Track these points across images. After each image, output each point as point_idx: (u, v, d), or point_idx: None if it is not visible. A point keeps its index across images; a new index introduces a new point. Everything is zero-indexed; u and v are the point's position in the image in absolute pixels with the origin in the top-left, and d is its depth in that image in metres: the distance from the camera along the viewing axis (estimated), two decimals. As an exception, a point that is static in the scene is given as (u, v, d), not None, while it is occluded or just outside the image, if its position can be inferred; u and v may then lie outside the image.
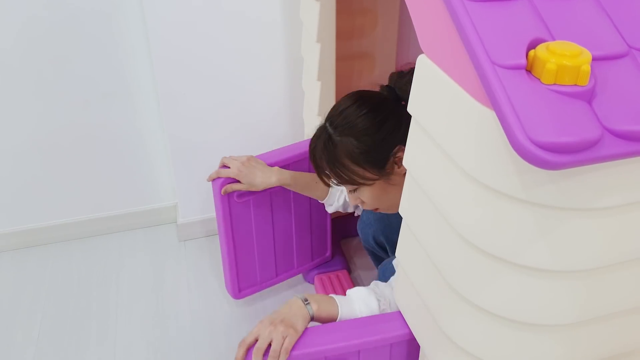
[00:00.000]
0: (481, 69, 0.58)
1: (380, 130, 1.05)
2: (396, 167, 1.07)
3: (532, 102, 0.55)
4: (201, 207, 1.73)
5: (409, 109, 0.78)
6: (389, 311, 0.99)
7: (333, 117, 1.10)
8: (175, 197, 1.79)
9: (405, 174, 1.05)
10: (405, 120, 1.04)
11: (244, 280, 1.45)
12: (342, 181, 1.10)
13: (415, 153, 0.79)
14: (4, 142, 1.58)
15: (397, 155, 1.06)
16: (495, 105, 0.56)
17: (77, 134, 1.61)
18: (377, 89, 1.12)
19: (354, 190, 1.12)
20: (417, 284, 0.83)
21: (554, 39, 0.60)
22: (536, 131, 0.53)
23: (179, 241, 1.76)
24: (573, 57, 0.56)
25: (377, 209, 1.15)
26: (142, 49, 1.53)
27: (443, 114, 0.69)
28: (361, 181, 1.08)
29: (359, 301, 0.99)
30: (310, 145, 1.13)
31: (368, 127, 1.05)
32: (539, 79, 0.57)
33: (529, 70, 0.58)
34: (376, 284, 1.05)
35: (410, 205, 0.81)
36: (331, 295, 1.00)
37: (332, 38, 1.25)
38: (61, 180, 1.68)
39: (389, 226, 1.32)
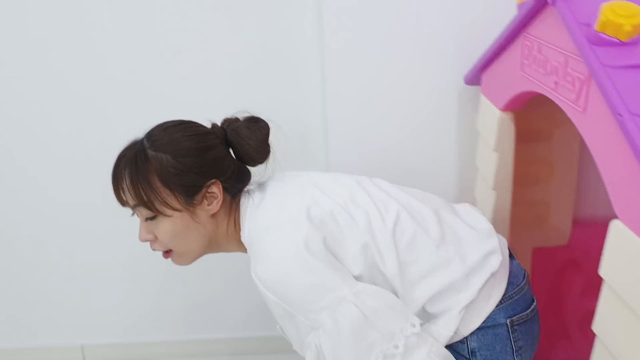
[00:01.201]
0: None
1: (202, 156, 0.99)
2: (206, 202, 1.00)
3: None
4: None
5: (601, 272, 0.76)
6: None
7: (153, 131, 1.02)
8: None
9: (213, 215, 1.01)
10: (227, 160, 1.02)
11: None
12: (138, 202, 0.98)
13: (608, 319, 0.76)
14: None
15: (209, 189, 1.00)
16: None
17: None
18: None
19: (151, 219, 1.00)
20: None
21: None
22: None
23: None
24: None
25: (169, 251, 1.04)
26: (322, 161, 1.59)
27: (642, 283, 0.67)
28: (159, 208, 0.97)
29: None
30: (119, 154, 1.01)
31: (192, 149, 0.99)
32: None
33: None
34: None
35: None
36: None
37: (509, 187, 1.27)
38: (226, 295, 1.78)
39: None
